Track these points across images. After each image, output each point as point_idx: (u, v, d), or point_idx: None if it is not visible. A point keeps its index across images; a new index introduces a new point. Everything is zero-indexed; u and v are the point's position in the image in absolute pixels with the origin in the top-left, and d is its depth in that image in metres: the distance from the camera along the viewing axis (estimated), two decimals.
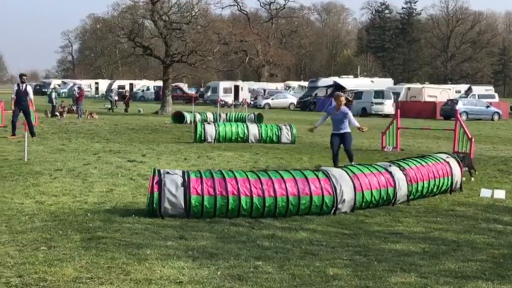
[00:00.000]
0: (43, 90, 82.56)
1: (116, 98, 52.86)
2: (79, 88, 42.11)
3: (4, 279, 6.24)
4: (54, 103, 37.94)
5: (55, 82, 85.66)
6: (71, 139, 22.36)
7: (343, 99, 14.68)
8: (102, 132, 26.58)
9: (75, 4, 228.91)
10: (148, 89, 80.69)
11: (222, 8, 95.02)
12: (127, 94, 54.35)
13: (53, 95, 39.35)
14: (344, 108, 14.50)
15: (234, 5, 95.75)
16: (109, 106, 49.86)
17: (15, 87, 22.79)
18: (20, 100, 22.26)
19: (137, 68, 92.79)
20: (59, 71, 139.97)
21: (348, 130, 14.51)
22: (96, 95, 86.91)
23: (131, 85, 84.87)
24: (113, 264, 6.81)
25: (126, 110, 47.91)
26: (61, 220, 8.95)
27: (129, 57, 54.27)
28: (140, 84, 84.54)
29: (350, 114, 14.47)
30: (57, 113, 36.58)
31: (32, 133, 21.49)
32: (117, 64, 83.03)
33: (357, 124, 14.52)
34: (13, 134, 21.95)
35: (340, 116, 14.44)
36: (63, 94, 75.08)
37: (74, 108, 39.12)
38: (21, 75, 23.66)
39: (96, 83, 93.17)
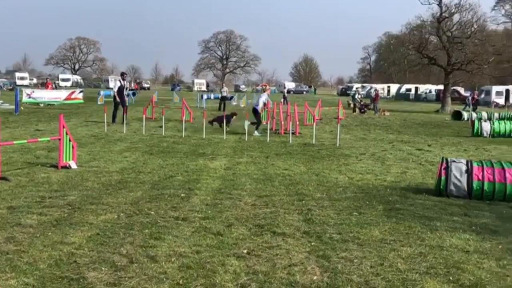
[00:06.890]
0: (347, 92, 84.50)
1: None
2: (376, 90, 42.26)
3: (328, 234, 6.55)
4: (356, 102, 38.60)
5: (356, 86, 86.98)
6: (370, 131, 22.60)
7: None
8: (394, 125, 26.40)
9: (372, 25, 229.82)
10: (430, 91, 78.33)
11: (498, 24, 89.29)
12: None
13: (356, 96, 40.07)
14: None
15: (508, 22, 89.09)
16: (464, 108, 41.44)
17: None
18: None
19: (422, 74, 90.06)
20: (359, 77, 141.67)
21: None
22: (388, 96, 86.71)
23: (416, 88, 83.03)
24: (410, 231, 6.74)
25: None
26: (366, 193, 9.13)
27: (416, 66, 52.88)
28: (423, 87, 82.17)
29: None
30: (358, 109, 37.27)
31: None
32: (405, 71, 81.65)
33: None
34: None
35: None
36: (363, 95, 75.73)
37: (371, 106, 39.42)
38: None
39: (388, 86, 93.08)
